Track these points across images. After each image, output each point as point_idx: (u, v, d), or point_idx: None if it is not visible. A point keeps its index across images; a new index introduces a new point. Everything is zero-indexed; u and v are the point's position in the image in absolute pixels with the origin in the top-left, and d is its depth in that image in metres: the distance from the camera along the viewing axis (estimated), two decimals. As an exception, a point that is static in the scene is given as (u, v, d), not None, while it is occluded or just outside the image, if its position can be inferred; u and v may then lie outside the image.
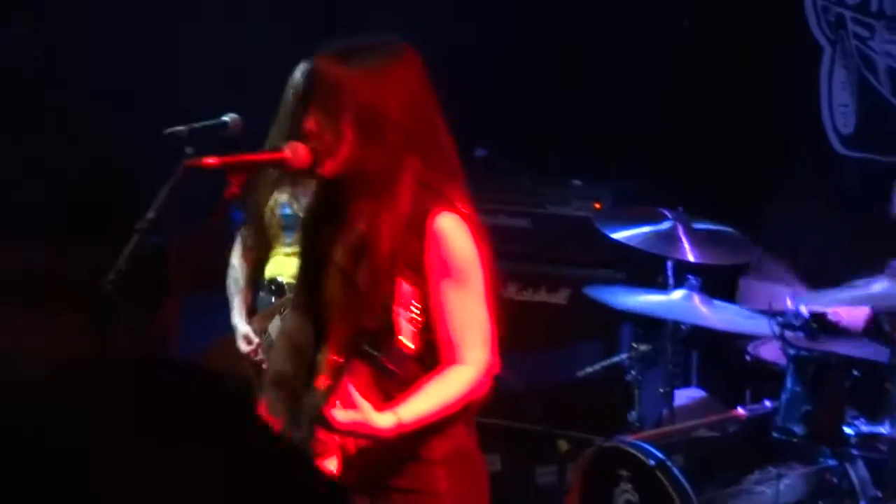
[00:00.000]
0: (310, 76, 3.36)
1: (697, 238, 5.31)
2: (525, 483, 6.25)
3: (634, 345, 5.59)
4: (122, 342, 3.61)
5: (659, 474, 4.76)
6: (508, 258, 6.15)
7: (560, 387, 6.06)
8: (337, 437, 3.36)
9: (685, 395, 5.86)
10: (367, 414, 3.18)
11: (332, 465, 3.37)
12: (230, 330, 5.22)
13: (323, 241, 3.48)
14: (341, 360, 3.24)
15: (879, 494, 4.73)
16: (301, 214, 4.84)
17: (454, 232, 3.31)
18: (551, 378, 6.10)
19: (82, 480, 1.17)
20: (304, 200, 4.86)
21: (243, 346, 5.07)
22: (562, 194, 6.28)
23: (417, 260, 3.29)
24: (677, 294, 5.27)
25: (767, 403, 5.04)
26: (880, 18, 6.01)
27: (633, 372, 5.56)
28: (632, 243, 5.34)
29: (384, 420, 3.20)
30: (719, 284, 5.42)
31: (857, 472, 4.88)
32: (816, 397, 4.66)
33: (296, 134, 3.45)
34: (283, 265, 5.03)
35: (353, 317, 3.34)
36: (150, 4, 6.38)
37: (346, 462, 3.38)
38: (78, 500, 1.19)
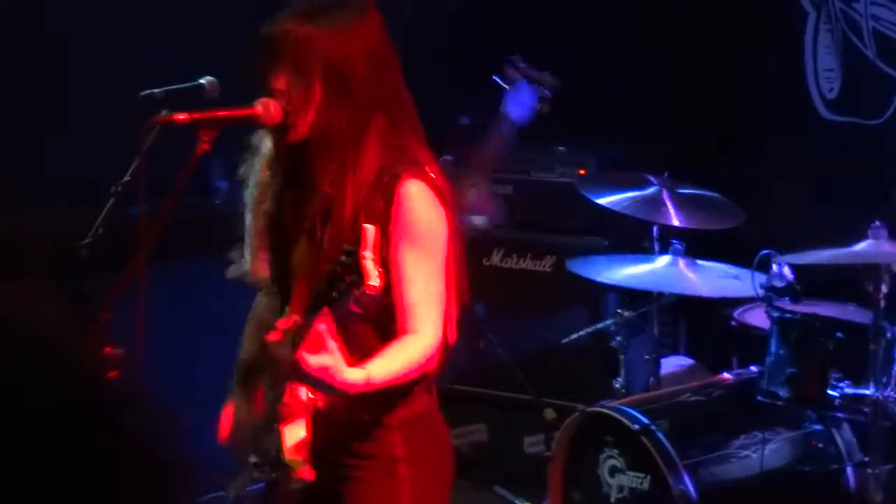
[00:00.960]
0: (270, 38, 3.32)
1: (683, 202, 5.30)
2: (513, 453, 6.23)
3: (620, 311, 5.56)
4: (94, 307, 3.58)
5: (643, 439, 4.74)
6: (493, 225, 6.15)
7: (545, 354, 6.04)
8: (304, 401, 3.33)
9: (672, 363, 5.83)
10: (338, 363, 3.13)
11: (299, 431, 3.35)
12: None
13: (288, 209, 3.46)
14: (302, 319, 3.20)
15: (866, 458, 4.70)
16: None
17: (421, 200, 3.30)
18: (537, 346, 6.09)
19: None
20: None
21: None
22: (546, 161, 6.26)
23: (384, 221, 3.28)
24: (662, 261, 5.25)
25: (753, 369, 5.02)
26: (866, -19, 5.97)
27: (618, 338, 5.53)
28: (617, 208, 5.32)
29: (354, 374, 3.16)
30: (705, 243, 5.38)
31: (843, 436, 4.87)
32: (801, 360, 4.64)
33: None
34: None
35: (314, 276, 3.32)
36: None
37: (313, 426, 3.35)
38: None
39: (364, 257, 3.02)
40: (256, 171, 4.77)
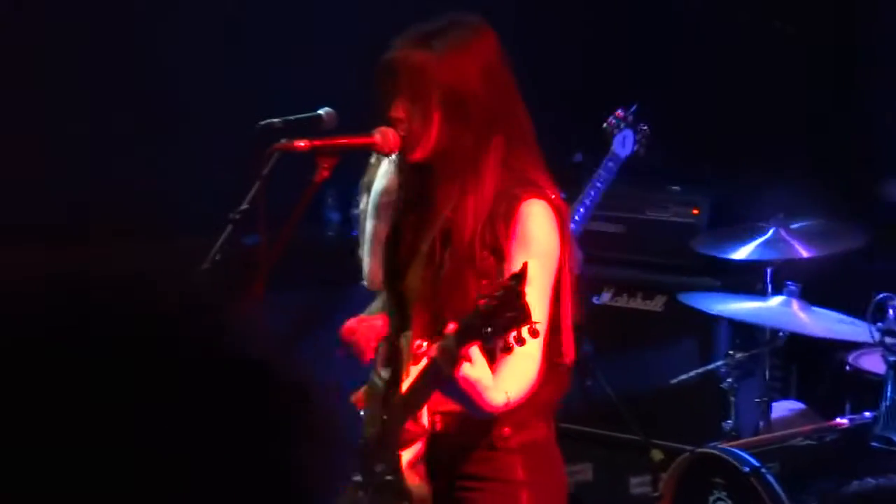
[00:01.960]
0: (389, 64, 3.34)
1: (801, 236, 5.27)
2: (618, 493, 6.17)
3: (731, 352, 5.50)
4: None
5: (754, 481, 4.67)
6: (605, 263, 6.13)
7: (654, 395, 5.99)
8: (424, 425, 3.32)
9: (783, 407, 5.75)
10: (487, 380, 3.03)
11: (415, 454, 3.35)
12: None
13: (408, 230, 3.48)
14: (424, 345, 3.19)
15: (983, 508, 4.60)
16: None
17: (541, 218, 3.29)
18: (645, 386, 6.04)
19: None
20: None
21: None
22: (660, 200, 6.22)
23: (502, 243, 3.27)
24: (775, 300, 5.19)
25: (868, 414, 4.94)
26: None
27: (728, 380, 5.47)
28: (742, 258, 5.31)
29: (497, 395, 3.08)
30: (820, 292, 5.32)
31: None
32: (917, 405, 4.55)
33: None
34: None
35: (435, 302, 3.32)
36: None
37: (429, 449, 3.35)
38: None
39: (526, 293, 2.89)
40: (380, 180, 4.83)
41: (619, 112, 5.67)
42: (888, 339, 4.65)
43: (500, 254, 3.27)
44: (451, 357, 3.00)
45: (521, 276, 2.88)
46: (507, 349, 3.00)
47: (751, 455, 4.75)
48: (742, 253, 5.31)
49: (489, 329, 2.91)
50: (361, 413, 3.62)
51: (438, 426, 3.34)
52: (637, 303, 6.21)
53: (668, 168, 6.35)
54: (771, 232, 5.30)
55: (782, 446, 4.97)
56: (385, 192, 4.78)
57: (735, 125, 6.39)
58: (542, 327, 3.22)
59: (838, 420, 5.09)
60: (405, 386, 3.33)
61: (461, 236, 3.30)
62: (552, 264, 3.30)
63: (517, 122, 3.40)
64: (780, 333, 5.33)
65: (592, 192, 5.50)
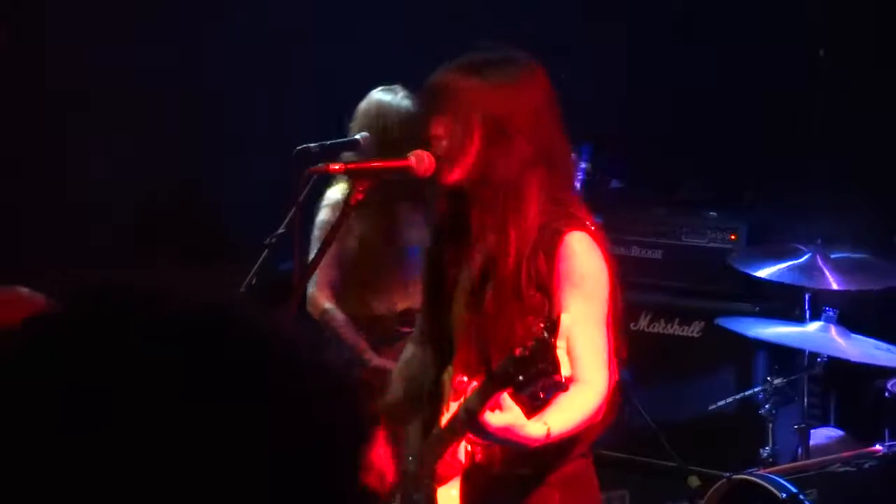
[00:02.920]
0: (432, 90, 3.36)
1: (838, 267, 5.23)
2: (655, 520, 6.14)
3: (769, 378, 5.47)
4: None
5: (791, 508, 4.63)
6: (642, 289, 6.11)
7: (691, 421, 5.96)
8: (461, 460, 3.31)
9: (822, 434, 5.72)
10: (520, 419, 3.06)
11: (451, 491, 3.33)
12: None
13: (448, 262, 3.47)
14: (477, 384, 3.18)
15: None
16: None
17: (585, 250, 3.29)
18: (683, 412, 6.01)
19: None
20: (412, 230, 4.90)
21: None
22: (697, 226, 6.21)
23: (547, 279, 3.27)
24: (813, 326, 5.17)
25: (907, 441, 4.90)
26: None
27: (766, 407, 5.43)
28: (773, 279, 5.27)
29: (535, 429, 3.09)
30: (859, 318, 5.29)
31: None
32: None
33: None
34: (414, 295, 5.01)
35: (480, 337, 3.32)
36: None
37: (465, 482, 3.34)
38: None
39: (558, 346, 2.89)
40: (324, 210, 4.88)
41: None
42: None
43: (546, 290, 3.27)
44: (469, 417, 3.07)
45: (553, 328, 2.89)
46: (535, 399, 3.02)
47: (789, 482, 4.72)
48: (772, 272, 5.25)
49: (521, 378, 2.93)
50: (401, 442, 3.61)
51: (478, 458, 3.33)
52: (674, 328, 6.19)
53: (706, 194, 6.35)
54: (806, 257, 5.26)
55: (820, 473, 4.92)
56: (325, 223, 4.84)
57: (776, 149, 6.37)
58: (604, 355, 3.23)
59: (877, 447, 5.05)
60: (444, 421, 3.33)
61: (505, 270, 3.29)
62: (603, 295, 3.30)
63: (559, 157, 3.41)
64: (819, 359, 5.30)
65: None
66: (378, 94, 4.94)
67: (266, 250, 4.36)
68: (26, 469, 1.06)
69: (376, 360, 4.99)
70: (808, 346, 5.19)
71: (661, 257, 6.25)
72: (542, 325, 2.92)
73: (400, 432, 3.56)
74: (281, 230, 4.33)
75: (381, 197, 4.59)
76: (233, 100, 6.23)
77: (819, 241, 5.32)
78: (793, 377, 5.41)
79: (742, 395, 5.63)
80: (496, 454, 3.27)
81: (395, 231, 5.00)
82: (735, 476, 4.90)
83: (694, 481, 5.76)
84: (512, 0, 6.30)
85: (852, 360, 5.02)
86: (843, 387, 6.12)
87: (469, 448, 3.31)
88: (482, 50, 3.40)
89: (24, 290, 2.68)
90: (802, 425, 5.37)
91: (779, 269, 5.26)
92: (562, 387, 2.96)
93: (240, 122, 6.21)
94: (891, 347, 5.00)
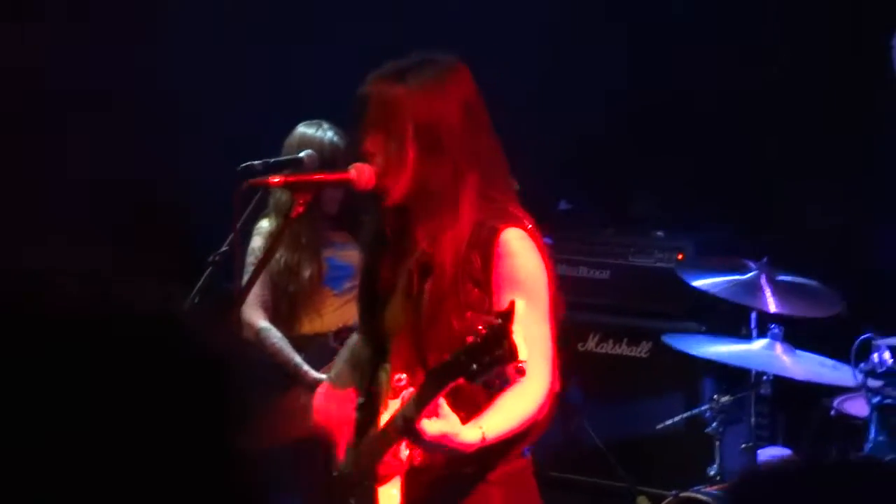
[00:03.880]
0: (361, 100, 3.36)
1: (781, 289, 5.22)
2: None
3: (716, 397, 5.48)
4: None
5: (736, 525, 4.63)
6: (590, 310, 6.13)
7: (640, 441, 5.97)
8: (402, 460, 3.31)
9: (769, 453, 5.73)
10: (455, 426, 3.10)
11: (392, 491, 3.33)
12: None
13: (386, 269, 3.47)
14: (417, 384, 3.19)
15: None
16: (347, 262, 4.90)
17: (522, 248, 3.31)
18: (631, 431, 6.02)
19: None
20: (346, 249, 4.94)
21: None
22: (644, 246, 6.23)
23: (484, 276, 3.27)
24: (759, 343, 5.17)
25: (852, 458, 4.92)
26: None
27: (714, 425, 5.44)
28: (714, 291, 5.26)
29: (471, 434, 3.12)
30: (804, 335, 5.30)
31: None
32: (901, 447, 4.54)
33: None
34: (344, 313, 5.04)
35: (416, 333, 3.32)
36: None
37: (406, 481, 3.34)
38: None
39: (514, 332, 2.90)
40: (255, 237, 4.93)
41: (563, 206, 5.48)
42: (871, 382, 4.65)
43: (483, 286, 3.28)
44: (406, 425, 3.09)
45: (508, 315, 2.90)
46: (490, 387, 3.03)
47: (734, 498, 4.72)
48: (716, 285, 5.25)
49: (475, 366, 2.94)
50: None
51: (420, 458, 3.32)
52: (622, 349, 6.20)
53: (654, 213, 6.38)
54: (751, 275, 5.26)
55: (766, 490, 4.93)
56: (256, 250, 4.93)
57: (729, 170, 6.40)
58: (546, 354, 3.24)
59: (823, 464, 5.06)
60: (383, 421, 3.33)
61: (441, 269, 3.30)
62: (544, 292, 3.32)
63: (492, 158, 3.42)
64: (765, 377, 5.31)
65: None
66: (301, 128, 5.05)
67: (210, 268, 4.34)
68: None
69: (312, 375, 5.01)
70: (754, 365, 5.20)
71: (608, 277, 6.26)
72: (497, 313, 2.92)
73: (339, 428, 3.56)
74: (224, 248, 4.31)
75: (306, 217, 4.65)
76: (192, 103, 6.21)
77: (766, 259, 5.32)
78: (739, 395, 5.42)
79: (690, 413, 5.64)
80: (438, 457, 3.27)
81: (317, 250, 5.06)
82: (681, 494, 4.90)
83: (643, 501, 5.77)
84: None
85: (797, 378, 5.03)
86: (791, 406, 6.14)
87: (411, 451, 3.31)
88: (405, 56, 3.41)
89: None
90: (750, 444, 5.37)
91: (723, 283, 5.26)
92: (521, 372, 2.95)
93: (201, 125, 6.20)
94: (836, 364, 5.01)
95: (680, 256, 6.09)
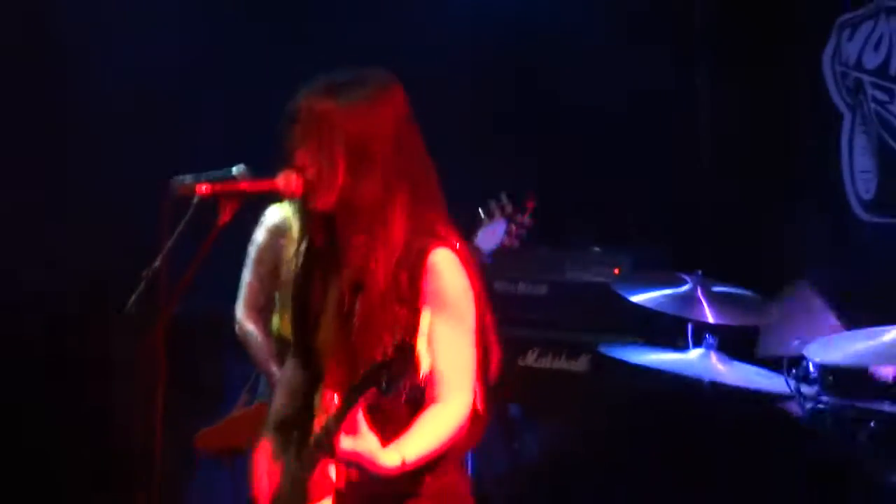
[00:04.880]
0: (293, 114, 3.37)
1: (716, 300, 5.29)
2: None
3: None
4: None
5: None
6: (528, 326, 6.14)
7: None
8: (333, 478, 3.32)
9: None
10: (372, 448, 3.15)
11: None
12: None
13: (316, 284, 3.48)
14: (338, 399, 3.22)
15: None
16: None
17: (449, 267, 3.32)
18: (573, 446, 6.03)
19: None
20: None
21: None
22: (581, 261, 6.25)
23: (411, 295, 3.29)
24: (695, 353, 5.23)
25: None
26: (900, 82, 5.99)
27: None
28: (651, 306, 5.32)
29: (389, 458, 3.17)
30: (738, 346, 5.36)
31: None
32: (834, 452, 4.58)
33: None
34: None
35: (348, 353, 3.33)
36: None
37: (337, 501, 3.34)
38: None
39: (418, 348, 3.00)
40: (259, 234, 4.91)
41: (503, 201, 5.49)
42: (803, 388, 4.69)
43: (410, 305, 3.28)
44: (327, 436, 3.16)
45: (413, 330, 3.01)
46: (400, 397, 3.11)
47: None
48: (653, 299, 5.31)
49: (386, 380, 3.02)
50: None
51: (354, 477, 3.33)
52: (562, 363, 6.22)
53: (590, 234, 6.41)
54: (686, 287, 5.32)
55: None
56: (257, 245, 4.95)
57: (664, 186, 6.45)
58: (467, 376, 3.27)
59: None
60: (311, 440, 3.35)
61: (372, 287, 3.31)
62: (469, 314, 3.34)
63: (423, 175, 3.43)
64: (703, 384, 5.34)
65: None
66: None
67: (143, 283, 4.31)
68: None
69: (272, 381, 5.01)
70: (690, 372, 5.25)
71: (546, 293, 6.28)
72: (401, 331, 2.98)
73: (280, 450, 3.56)
74: (157, 263, 4.29)
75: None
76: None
77: (700, 273, 5.38)
78: (677, 408, 5.46)
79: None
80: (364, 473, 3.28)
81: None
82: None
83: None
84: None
85: (732, 384, 5.08)
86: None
87: (346, 469, 3.32)
88: (338, 71, 3.42)
89: None
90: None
91: (659, 297, 5.31)
92: (423, 383, 3.06)
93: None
94: (770, 374, 5.07)
95: (616, 271, 6.12)
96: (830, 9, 6.17)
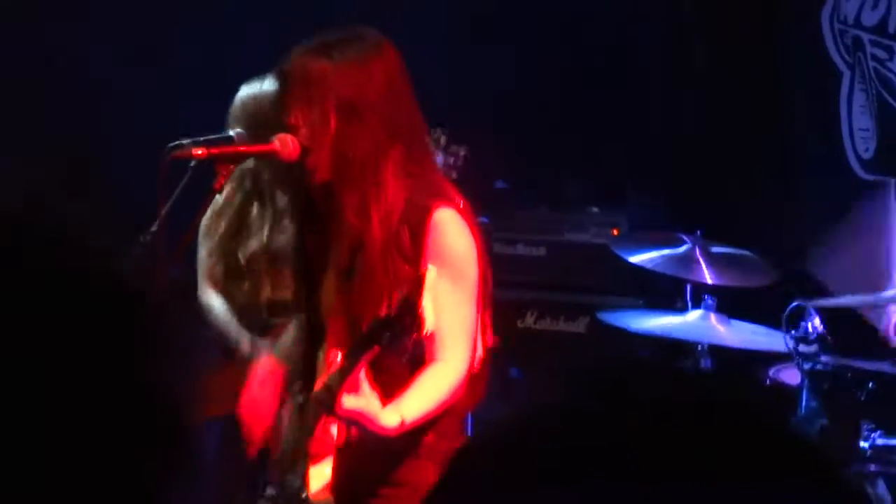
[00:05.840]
0: (285, 74, 3.36)
1: (715, 261, 5.28)
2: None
3: (653, 370, 5.50)
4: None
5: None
6: (527, 287, 6.13)
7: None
8: (333, 437, 3.33)
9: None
10: (373, 407, 3.15)
11: (325, 469, 3.35)
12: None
13: (318, 245, 3.49)
14: (341, 357, 3.23)
15: (901, 514, 4.62)
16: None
17: (454, 228, 3.32)
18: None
19: None
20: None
21: None
22: (579, 222, 6.24)
23: (414, 253, 3.29)
24: (693, 315, 5.22)
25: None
26: (899, 40, 5.96)
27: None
28: (649, 266, 5.31)
29: (389, 418, 3.18)
30: (738, 305, 5.34)
31: (878, 491, 4.77)
32: (832, 411, 4.57)
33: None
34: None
35: (350, 311, 3.34)
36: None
37: (338, 459, 3.35)
38: None
39: (423, 304, 3.01)
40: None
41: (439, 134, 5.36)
42: (802, 348, 4.68)
43: (413, 263, 3.29)
44: (329, 394, 3.15)
45: (418, 284, 3.01)
46: (404, 354, 3.12)
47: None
48: (651, 259, 5.30)
49: (388, 335, 3.05)
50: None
51: (354, 437, 3.34)
52: (560, 325, 6.21)
53: (588, 193, 6.40)
54: (685, 247, 5.31)
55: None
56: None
57: (662, 145, 6.43)
58: (467, 335, 3.27)
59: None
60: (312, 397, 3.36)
61: (371, 245, 3.32)
62: (472, 274, 3.34)
63: (415, 134, 3.44)
64: (699, 347, 5.34)
65: None
66: (244, 90, 4.91)
67: (140, 248, 4.29)
68: None
69: (246, 346, 4.95)
70: (689, 335, 5.24)
71: (545, 254, 6.27)
72: (405, 287, 3.02)
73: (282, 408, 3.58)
74: (154, 228, 4.27)
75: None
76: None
77: (699, 233, 5.37)
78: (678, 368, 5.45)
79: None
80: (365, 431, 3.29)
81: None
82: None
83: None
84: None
85: (732, 346, 5.07)
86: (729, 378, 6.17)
87: (347, 428, 3.33)
88: (330, 30, 3.42)
89: None
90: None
91: (658, 257, 5.30)
92: (427, 338, 3.09)
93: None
94: (770, 331, 5.05)
95: (615, 231, 6.11)
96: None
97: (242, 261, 4.96)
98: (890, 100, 5.98)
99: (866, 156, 6.05)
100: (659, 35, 6.40)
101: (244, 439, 3.67)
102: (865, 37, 6.03)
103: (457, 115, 5.29)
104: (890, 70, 5.97)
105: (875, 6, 6.01)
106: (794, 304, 4.68)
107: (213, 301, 5.00)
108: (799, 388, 4.78)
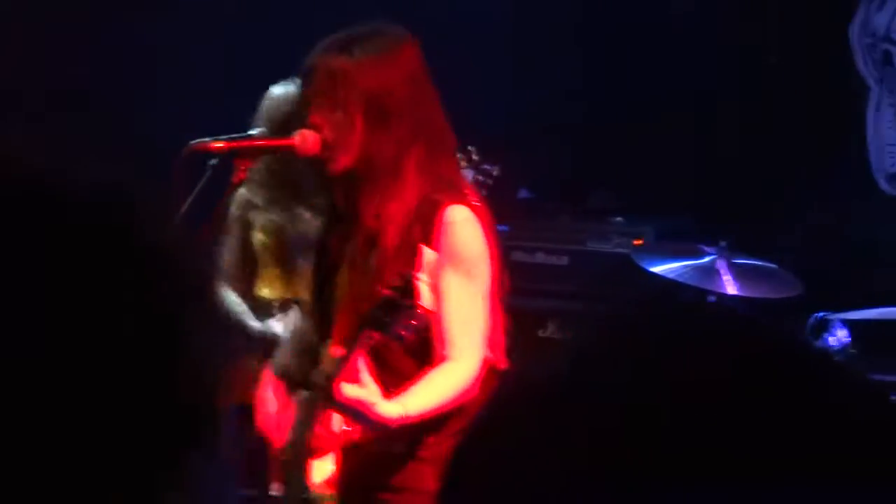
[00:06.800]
0: (308, 72, 3.34)
1: (739, 272, 5.24)
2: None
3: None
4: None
5: None
6: (547, 296, 6.08)
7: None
8: (337, 434, 3.30)
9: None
10: (373, 396, 3.11)
11: (327, 465, 3.32)
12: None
13: (335, 241, 3.46)
14: (345, 350, 3.20)
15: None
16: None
17: (466, 224, 3.29)
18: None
19: None
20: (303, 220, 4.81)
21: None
22: (602, 231, 6.19)
23: (422, 248, 3.27)
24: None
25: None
26: (928, 55, 5.92)
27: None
28: (671, 276, 5.26)
29: (391, 409, 3.13)
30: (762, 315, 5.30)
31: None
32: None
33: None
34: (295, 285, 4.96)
35: (357, 305, 3.31)
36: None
37: (342, 457, 3.32)
38: None
39: (418, 279, 3.00)
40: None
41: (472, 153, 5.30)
42: (825, 359, 4.63)
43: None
44: (326, 383, 3.13)
45: (413, 263, 3.05)
46: (401, 339, 3.09)
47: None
48: (673, 270, 5.25)
49: (388, 319, 3.03)
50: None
51: (356, 437, 3.31)
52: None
53: (614, 204, 6.36)
54: (709, 259, 5.27)
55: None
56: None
57: (688, 156, 6.39)
58: (478, 334, 3.23)
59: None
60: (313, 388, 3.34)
61: (385, 241, 3.29)
62: (483, 272, 3.30)
63: (438, 132, 3.41)
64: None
65: None
66: (275, 90, 4.88)
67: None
68: None
69: (257, 326, 4.93)
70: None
71: (566, 263, 6.22)
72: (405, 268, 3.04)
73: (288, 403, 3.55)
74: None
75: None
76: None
77: (724, 244, 5.33)
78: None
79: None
80: (366, 428, 3.26)
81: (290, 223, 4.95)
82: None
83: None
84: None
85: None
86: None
87: (344, 426, 3.30)
88: (351, 27, 3.39)
89: None
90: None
91: (679, 268, 5.25)
92: (425, 322, 3.07)
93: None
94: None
95: (638, 242, 6.06)
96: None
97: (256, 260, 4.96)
98: (918, 115, 5.94)
99: (893, 170, 6.00)
100: (686, 52, 6.35)
101: (255, 432, 3.63)
102: (894, 50, 5.99)
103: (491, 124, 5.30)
104: (919, 85, 5.93)
105: (906, 20, 5.97)
106: (819, 315, 4.64)
107: (225, 292, 5.01)
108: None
